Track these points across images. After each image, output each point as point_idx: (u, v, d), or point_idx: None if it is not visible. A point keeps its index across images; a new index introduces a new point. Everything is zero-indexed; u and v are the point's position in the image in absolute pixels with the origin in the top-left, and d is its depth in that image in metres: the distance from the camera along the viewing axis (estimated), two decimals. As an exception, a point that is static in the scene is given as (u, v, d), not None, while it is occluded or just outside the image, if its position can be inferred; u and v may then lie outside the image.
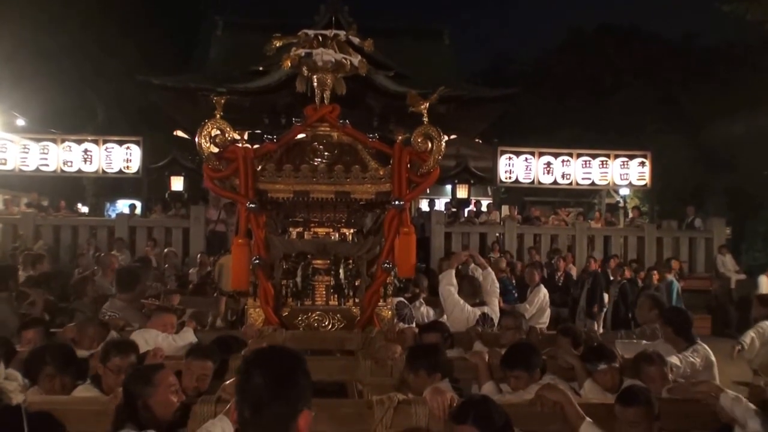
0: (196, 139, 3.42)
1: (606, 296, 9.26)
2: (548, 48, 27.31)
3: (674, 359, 3.32)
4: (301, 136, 3.85)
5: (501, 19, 45.33)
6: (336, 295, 3.73)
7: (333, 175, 3.46)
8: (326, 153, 3.67)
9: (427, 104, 3.59)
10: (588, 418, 2.35)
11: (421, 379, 2.67)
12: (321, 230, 3.75)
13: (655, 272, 9.52)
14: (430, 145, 3.47)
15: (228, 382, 2.42)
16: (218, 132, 3.41)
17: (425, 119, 3.55)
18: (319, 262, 3.65)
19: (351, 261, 3.59)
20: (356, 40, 4.07)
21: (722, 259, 12.01)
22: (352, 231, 3.77)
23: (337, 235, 3.73)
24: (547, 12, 41.15)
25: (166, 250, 10.35)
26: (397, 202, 3.32)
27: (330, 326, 3.72)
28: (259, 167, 3.48)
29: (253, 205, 3.34)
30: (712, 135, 17.35)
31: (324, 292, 3.76)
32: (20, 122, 14.48)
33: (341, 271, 3.58)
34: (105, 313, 4.13)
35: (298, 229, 3.75)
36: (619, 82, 21.95)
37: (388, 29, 15.92)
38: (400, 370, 2.85)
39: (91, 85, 18.62)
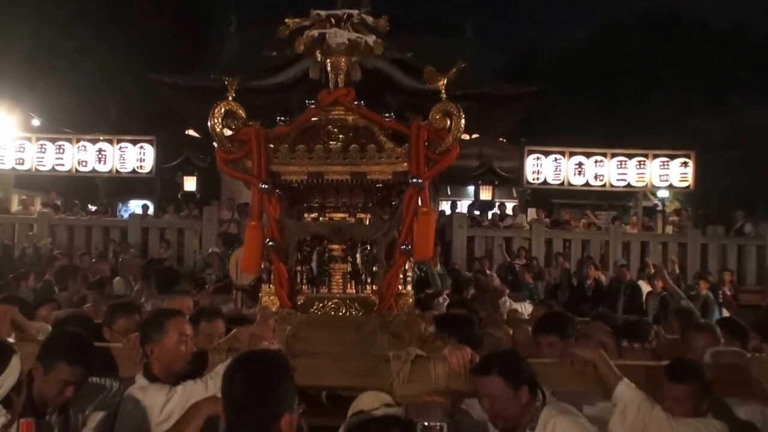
0: (209, 122, 3.51)
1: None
2: (579, 40, 26.84)
3: None
4: (313, 119, 3.93)
5: (527, 10, 44.99)
6: (353, 282, 3.76)
7: (348, 155, 3.51)
8: (341, 135, 3.73)
9: (445, 80, 3.64)
10: (625, 378, 2.30)
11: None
12: (337, 215, 3.80)
13: (703, 282, 9.18)
14: (448, 122, 3.50)
15: (238, 329, 2.48)
16: (230, 114, 3.50)
17: (443, 96, 3.59)
18: (335, 247, 3.69)
19: (368, 246, 3.63)
20: (370, 19, 4.13)
21: (777, 270, 11.35)
22: (369, 216, 3.81)
23: (353, 220, 3.78)
24: (577, 2, 40.55)
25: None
26: (415, 180, 3.37)
27: (347, 315, 3.76)
28: (272, 147, 3.56)
29: (265, 186, 3.42)
30: (764, 131, 16.75)
31: (341, 280, 3.79)
32: (36, 122, 14.98)
33: (358, 256, 3.62)
34: None
35: (313, 215, 3.80)
36: (659, 76, 21.35)
37: (408, 23, 15.95)
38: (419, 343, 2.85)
39: (104, 85, 19.13)
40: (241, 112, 3.56)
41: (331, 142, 3.68)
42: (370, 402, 2.18)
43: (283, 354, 1.89)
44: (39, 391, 2.29)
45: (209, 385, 2.29)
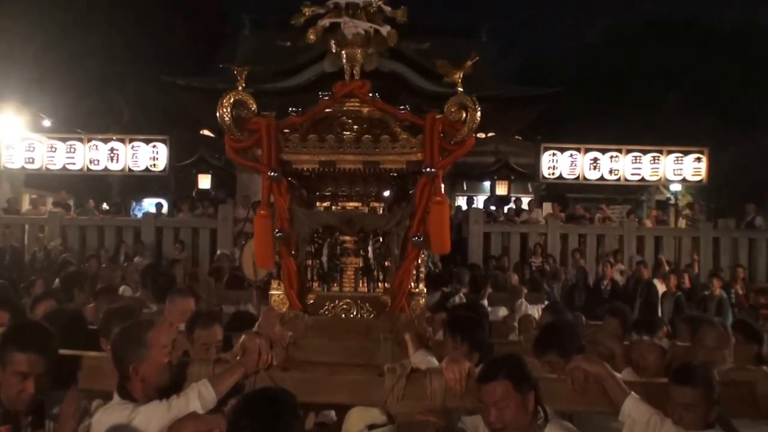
0: (218, 112, 3.40)
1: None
2: (592, 43, 26.92)
3: None
4: (327, 111, 3.81)
5: (541, 14, 45.07)
6: (365, 279, 3.64)
7: (361, 145, 3.40)
8: (355, 126, 3.62)
9: (461, 73, 3.51)
10: (633, 392, 2.15)
11: (459, 353, 2.55)
12: (350, 204, 3.70)
13: (716, 280, 8.96)
14: (464, 114, 3.38)
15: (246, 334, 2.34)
16: (240, 104, 3.39)
17: (460, 89, 3.47)
18: (346, 239, 3.57)
19: (380, 238, 3.50)
20: (387, 9, 4.01)
21: (790, 265, 11.06)
22: (382, 205, 3.71)
23: (366, 210, 3.68)
24: (589, 4, 40.64)
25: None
26: (428, 169, 3.24)
27: (359, 317, 3.62)
28: (283, 136, 3.45)
29: (274, 174, 3.30)
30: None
31: (352, 276, 3.67)
32: (46, 123, 14.86)
33: (369, 249, 3.50)
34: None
35: (325, 204, 3.70)
36: (670, 78, 21.41)
37: (423, 27, 15.82)
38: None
39: (117, 87, 19.20)
40: (251, 101, 3.45)
41: (344, 133, 3.57)
42: (356, 421, 2.06)
43: (290, 393, 1.77)
44: (5, 395, 2.07)
45: (173, 407, 2.06)
